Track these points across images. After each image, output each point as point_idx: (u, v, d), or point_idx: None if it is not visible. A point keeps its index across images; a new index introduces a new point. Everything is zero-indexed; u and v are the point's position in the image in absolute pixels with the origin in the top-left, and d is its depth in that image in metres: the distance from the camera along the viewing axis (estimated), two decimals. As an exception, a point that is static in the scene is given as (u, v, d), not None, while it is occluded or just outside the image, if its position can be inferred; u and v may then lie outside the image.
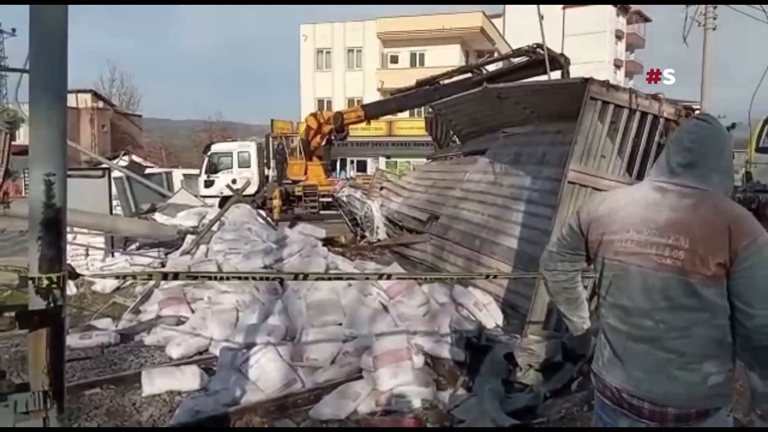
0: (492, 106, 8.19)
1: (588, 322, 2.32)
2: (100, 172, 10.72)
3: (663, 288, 1.87)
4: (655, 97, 5.39)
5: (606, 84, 5.42)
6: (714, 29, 23.23)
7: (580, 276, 2.27)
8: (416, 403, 4.65)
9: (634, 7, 56.38)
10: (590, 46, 50.61)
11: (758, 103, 15.12)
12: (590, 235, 2.07)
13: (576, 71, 12.07)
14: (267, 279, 6.05)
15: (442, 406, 4.67)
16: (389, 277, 4.90)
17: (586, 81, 5.36)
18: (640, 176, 5.43)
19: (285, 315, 5.85)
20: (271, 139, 22.26)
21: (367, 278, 5.49)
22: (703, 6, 23.17)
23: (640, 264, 1.91)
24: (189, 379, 5.08)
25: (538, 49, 12.93)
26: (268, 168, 22.17)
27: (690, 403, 1.88)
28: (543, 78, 9.81)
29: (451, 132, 11.00)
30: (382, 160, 36.38)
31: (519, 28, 38.71)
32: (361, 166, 36.40)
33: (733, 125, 6.01)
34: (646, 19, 60.37)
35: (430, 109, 11.85)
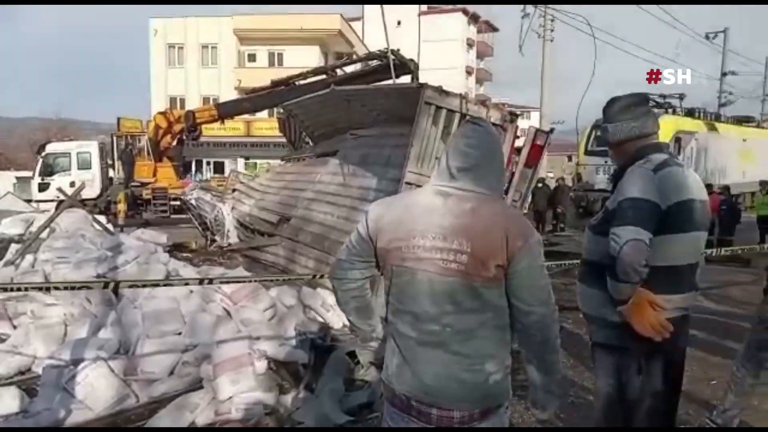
0: (341, 108, 8.29)
1: (378, 330, 2.27)
2: None
3: (449, 292, 1.91)
4: (483, 103, 5.74)
5: (439, 89, 5.69)
6: (552, 41, 25.44)
7: (368, 284, 2.21)
8: (257, 409, 4.57)
9: (483, 17, 59.98)
10: (445, 52, 53.15)
11: (589, 110, 16.75)
12: (378, 242, 2.03)
13: (431, 77, 12.56)
14: (77, 288, 5.60)
15: (283, 410, 4.63)
16: (211, 281, 4.80)
17: (421, 86, 5.60)
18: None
19: (119, 327, 5.49)
20: (116, 138, 20.89)
21: (186, 284, 5.34)
22: (542, 19, 25.27)
23: (427, 269, 1.92)
24: (6, 401, 4.60)
25: (388, 54, 13.27)
26: (113, 169, 20.77)
27: (474, 404, 1.95)
28: (389, 82, 10.12)
29: (304, 133, 10.99)
30: (241, 162, 35.54)
31: (378, 33, 39.55)
32: (219, 168, 35.29)
33: (552, 130, 6.60)
34: (494, 29, 64.42)
35: (282, 110, 11.77)
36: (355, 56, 19.43)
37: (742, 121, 29.15)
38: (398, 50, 13.37)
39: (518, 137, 6.01)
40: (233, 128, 32.82)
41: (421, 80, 6.20)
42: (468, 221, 1.91)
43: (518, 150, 6.19)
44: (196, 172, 34.92)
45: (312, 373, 5.16)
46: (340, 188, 8.18)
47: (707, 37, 33.89)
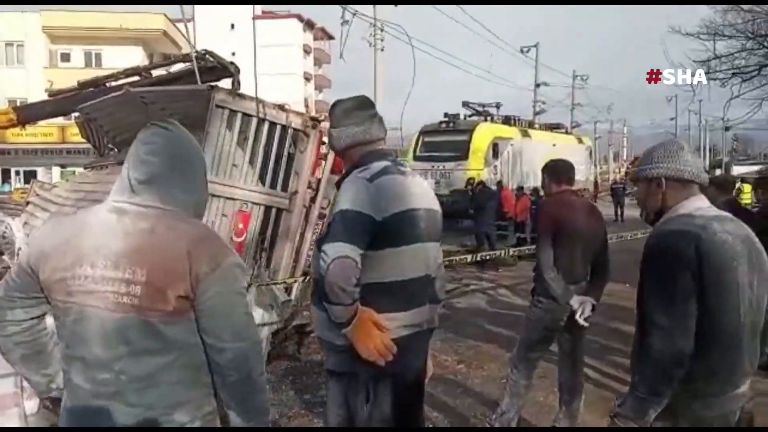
0: (139, 111, 7.62)
1: (58, 381, 1.82)
2: None
3: (121, 332, 1.59)
4: (282, 107, 5.56)
5: (233, 93, 5.44)
6: (382, 50, 26.12)
7: (44, 324, 1.79)
8: (25, 456, 3.98)
9: (318, 24, 60.38)
10: (283, 58, 52.68)
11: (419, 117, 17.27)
12: (41, 272, 1.65)
13: (269, 82, 12.08)
14: None
15: (54, 454, 4.07)
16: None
17: (212, 88, 5.29)
18: (273, 185, 5.56)
19: None
20: None
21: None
22: (372, 28, 25.89)
23: (97, 305, 1.59)
24: None
25: (207, 56, 12.63)
26: None
27: None
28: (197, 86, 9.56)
29: (106, 139, 10.05)
30: (57, 170, 32.43)
31: (210, 34, 38.15)
32: (31, 178, 31.89)
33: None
34: (330, 37, 65.12)
35: (79, 114, 10.68)
36: (173, 58, 18.26)
37: (553, 127, 32.11)
38: (233, 54, 12.77)
39: (323, 143, 5.91)
40: (45, 134, 29.85)
41: (259, 86, 5.82)
42: (143, 244, 1.60)
43: (325, 156, 6.09)
44: (3, 182, 31.51)
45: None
46: (144, 198, 7.55)
47: (522, 51, 36.97)
